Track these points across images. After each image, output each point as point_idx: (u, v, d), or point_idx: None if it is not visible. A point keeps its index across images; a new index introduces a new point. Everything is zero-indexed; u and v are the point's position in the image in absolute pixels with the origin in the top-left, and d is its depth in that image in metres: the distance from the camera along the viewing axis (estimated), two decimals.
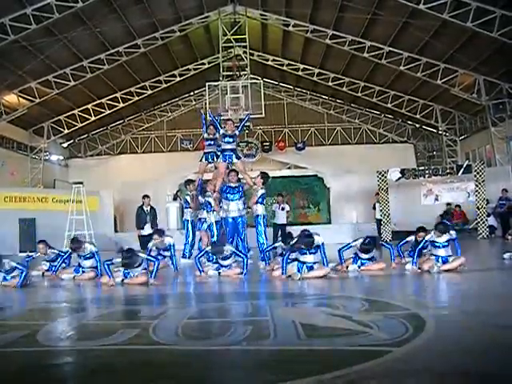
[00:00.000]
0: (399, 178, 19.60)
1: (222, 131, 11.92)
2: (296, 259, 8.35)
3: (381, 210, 19.51)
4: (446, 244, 8.60)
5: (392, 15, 19.09)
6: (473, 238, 17.87)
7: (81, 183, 19.12)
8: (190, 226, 12.85)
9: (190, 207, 12.88)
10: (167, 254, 10.52)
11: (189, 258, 12.62)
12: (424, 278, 7.75)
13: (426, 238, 8.75)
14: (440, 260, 8.43)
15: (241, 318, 5.02)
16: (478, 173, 18.40)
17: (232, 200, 11.13)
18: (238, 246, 11.72)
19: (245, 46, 23.56)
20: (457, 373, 3.06)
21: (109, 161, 30.32)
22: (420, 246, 8.81)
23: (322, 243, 8.22)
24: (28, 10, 17.25)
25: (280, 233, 15.58)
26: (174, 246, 10.07)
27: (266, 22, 23.60)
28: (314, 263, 8.27)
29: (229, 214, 11.34)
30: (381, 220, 19.47)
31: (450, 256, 8.52)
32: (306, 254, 8.22)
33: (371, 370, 3.11)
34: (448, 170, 20.84)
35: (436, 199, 21.29)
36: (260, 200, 11.46)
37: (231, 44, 23.74)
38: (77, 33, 19.56)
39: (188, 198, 12.83)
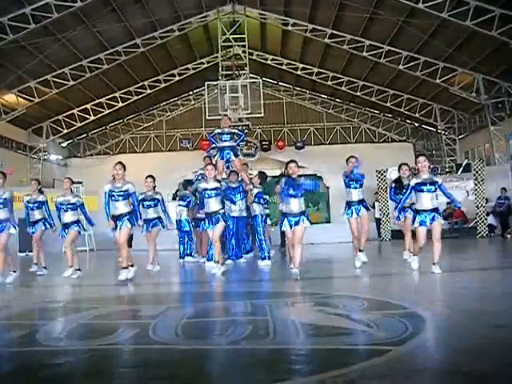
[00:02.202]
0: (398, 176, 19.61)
1: (217, 130, 11.75)
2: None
3: (380, 209, 19.53)
4: (433, 188, 8.03)
5: (391, 14, 19.09)
6: (472, 237, 17.89)
7: (80, 183, 19.13)
8: (187, 224, 12.80)
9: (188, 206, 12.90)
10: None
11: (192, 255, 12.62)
12: (424, 276, 7.75)
13: (411, 184, 8.13)
14: (427, 219, 7.99)
15: (240, 317, 5.02)
16: (477, 172, 18.41)
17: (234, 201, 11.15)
18: (240, 245, 11.86)
19: (244, 46, 23.57)
20: (457, 372, 3.06)
21: (108, 160, 30.18)
22: (406, 195, 8.28)
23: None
24: (27, 10, 17.25)
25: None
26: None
27: (265, 22, 23.61)
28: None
29: (230, 214, 11.39)
30: (380, 219, 19.49)
31: (436, 212, 8.08)
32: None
33: (371, 370, 3.11)
34: (447, 169, 20.91)
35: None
36: (256, 199, 11.57)
37: (230, 43, 23.76)
38: (76, 32, 19.57)
39: (192, 199, 12.81)
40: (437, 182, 8.04)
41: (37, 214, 10.37)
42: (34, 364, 3.59)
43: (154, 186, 10.67)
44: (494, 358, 3.32)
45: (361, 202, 9.28)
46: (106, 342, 4.09)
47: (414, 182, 8.08)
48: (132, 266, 8.72)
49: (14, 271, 9.05)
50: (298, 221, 7.89)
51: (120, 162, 8.82)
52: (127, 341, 4.15)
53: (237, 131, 12.20)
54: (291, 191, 7.89)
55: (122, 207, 8.64)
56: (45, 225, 10.39)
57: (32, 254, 10.68)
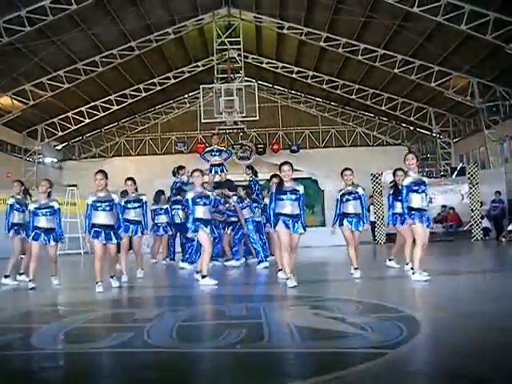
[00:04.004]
0: (393, 181, 19.64)
1: (208, 148, 13.59)
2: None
3: (375, 213, 19.54)
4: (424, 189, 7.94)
5: (386, 18, 19.13)
6: (467, 240, 17.93)
7: (75, 186, 19.10)
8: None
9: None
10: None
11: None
12: (419, 280, 7.74)
13: (404, 184, 7.97)
14: (423, 219, 7.77)
15: (235, 320, 5.01)
16: (471, 175, 18.45)
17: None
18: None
19: (239, 49, 23.58)
20: (452, 375, 3.06)
21: (103, 163, 30.16)
22: (404, 198, 7.91)
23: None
24: (22, 12, 17.21)
25: None
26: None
27: (260, 25, 23.62)
28: None
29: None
30: (375, 222, 19.50)
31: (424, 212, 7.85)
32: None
33: (365, 373, 3.11)
34: (442, 173, 20.92)
35: (430, 202, 21.29)
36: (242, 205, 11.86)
37: (225, 46, 23.76)
38: (71, 35, 19.53)
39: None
40: (424, 183, 8.02)
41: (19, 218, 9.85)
42: (28, 367, 3.57)
43: (136, 188, 10.30)
44: (490, 360, 3.32)
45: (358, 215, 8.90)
46: (100, 346, 4.08)
47: (407, 181, 8.00)
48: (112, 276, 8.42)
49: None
50: (294, 224, 7.69)
51: (101, 171, 8.25)
52: (122, 344, 4.13)
53: (224, 149, 13.95)
54: (283, 196, 7.72)
55: (106, 218, 8.05)
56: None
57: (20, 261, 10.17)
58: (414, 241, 8.09)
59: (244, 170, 13.67)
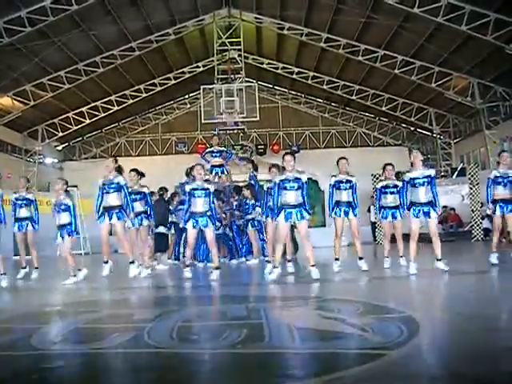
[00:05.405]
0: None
1: (209, 149, 13.60)
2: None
3: (375, 213, 19.52)
4: (425, 181, 8.14)
5: (387, 18, 19.13)
6: (467, 241, 17.92)
7: (75, 186, 19.08)
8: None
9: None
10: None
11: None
12: (419, 280, 7.75)
13: (405, 178, 8.27)
14: (421, 213, 8.08)
15: (236, 321, 5.00)
16: (472, 176, 18.43)
17: None
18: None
19: (239, 49, 23.62)
20: (452, 376, 3.06)
21: (104, 164, 30.10)
22: (404, 189, 8.29)
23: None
24: (22, 13, 17.22)
25: None
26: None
27: (260, 25, 23.63)
28: None
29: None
30: (375, 223, 19.51)
31: (430, 204, 8.11)
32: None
33: (366, 374, 3.10)
34: (442, 173, 20.90)
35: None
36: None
37: (226, 47, 23.80)
38: (72, 35, 19.55)
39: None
40: (429, 176, 8.11)
41: (24, 212, 10.23)
42: (29, 368, 3.57)
43: (139, 180, 10.55)
44: (490, 361, 3.32)
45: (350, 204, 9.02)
46: (100, 346, 4.08)
47: (408, 176, 8.16)
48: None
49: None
50: (297, 213, 7.94)
51: (113, 156, 9.46)
52: (122, 345, 4.13)
53: (225, 149, 13.93)
54: (286, 185, 7.96)
55: (113, 200, 8.90)
56: (32, 225, 10.27)
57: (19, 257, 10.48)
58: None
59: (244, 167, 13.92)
